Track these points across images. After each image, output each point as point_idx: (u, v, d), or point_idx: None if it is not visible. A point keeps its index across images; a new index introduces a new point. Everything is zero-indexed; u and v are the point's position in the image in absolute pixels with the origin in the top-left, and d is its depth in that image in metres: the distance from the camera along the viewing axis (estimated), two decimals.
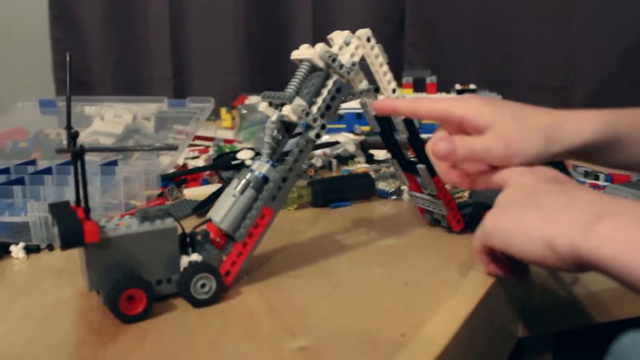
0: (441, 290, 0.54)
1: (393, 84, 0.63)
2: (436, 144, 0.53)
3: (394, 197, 0.84)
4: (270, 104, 0.57)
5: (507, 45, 1.32)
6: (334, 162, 1.04)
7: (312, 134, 0.55)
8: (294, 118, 0.53)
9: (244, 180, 0.54)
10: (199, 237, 0.55)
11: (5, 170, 0.86)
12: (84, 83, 1.54)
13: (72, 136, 0.48)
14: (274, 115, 0.55)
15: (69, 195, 0.74)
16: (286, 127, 0.57)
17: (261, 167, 0.55)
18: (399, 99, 0.61)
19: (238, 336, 0.46)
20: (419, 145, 0.65)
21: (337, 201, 0.81)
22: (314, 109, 0.55)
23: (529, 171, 0.50)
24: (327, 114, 0.56)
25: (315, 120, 0.55)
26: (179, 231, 0.52)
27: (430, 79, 1.17)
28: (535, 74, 1.25)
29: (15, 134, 1.19)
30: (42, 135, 1.21)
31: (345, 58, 0.59)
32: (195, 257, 0.52)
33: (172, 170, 0.95)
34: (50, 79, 1.55)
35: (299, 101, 0.53)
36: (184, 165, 1.03)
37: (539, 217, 0.43)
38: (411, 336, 0.45)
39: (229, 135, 1.19)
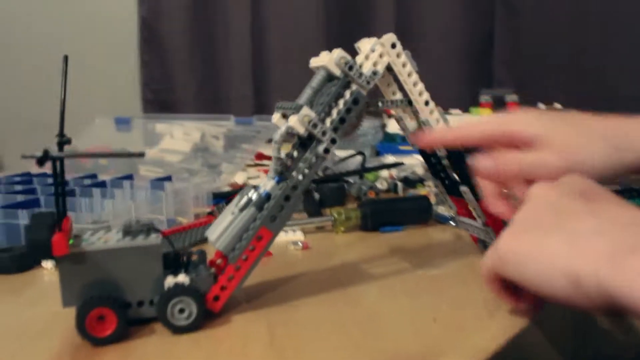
0: (471, 328, 0.46)
1: (425, 96, 0.57)
2: (479, 162, 0.47)
3: (454, 223, 0.77)
4: (284, 116, 0.52)
5: (602, 59, 1.20)
6: (400, 185, 0.98)
7: (320, 148, 0.50)
8: (300, 130, 0.49)
9: (245, 197, 0.50)
10: (194, 257, 0.50)
11: (65, 183, 0.87)
12: (168, 102, 1.58)
13: (61, 143, 0.45)
14: (282, 127, 0.50)
15: (111, 209, 0.73)
16: (302, 142, 0.51)
17: (267, 184, 0.50)
18: (442, 129, 0.55)
19: None
20: (460, 164, 0.58)
21: (388, 225, 0.75)
22: (328, 121, 0.50)
23: (556, 184, 0.42)
24: (340, 127, 0.50)
25: (324, 133, 0.49)
26: (168, 248, 0.48)
27: (511, 98, 1.08)
28: (633, 87, 1.12)
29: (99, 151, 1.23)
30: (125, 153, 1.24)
31: (367, 66, 0.53)
32: (182, 278, 0.46)
33: (227, 189, 0.93)
34: (138, 98, 1.61)
35: (305, 111, 0.49)
36: (244, 184, 1.01)
37: (561, 244, 0.35)
38: None
39: None
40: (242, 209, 0.49)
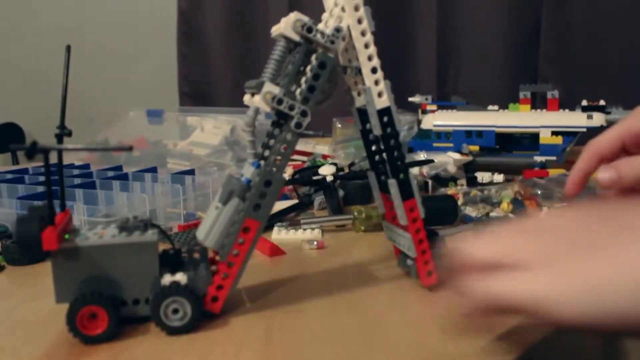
0: (480, 346, 0.43)
1: (376, 61, 0.49)
2: (599, 172, 0.43)
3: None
4: (253, 95, 0.47)
5: None
6: (430, 183, 0.93)
7: (292, 124, 0.46)
8: (266, 109, 0.45)
9: (227, 189, 0.46)
10: (196, 255, 0.48)
11: (89, 175, 0.87)
12: (205, 95, 1.57)
13: (61, 135, 0.43)
14: (252, 108, 0.46)
15: (126, 201, 0.72)
16: (280, 119, 0.47)
17: (248, 171, 0.46)
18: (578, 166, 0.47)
19: None
20: (393, 153, 0.50)
21: None
22: (298, 92, 0.46)
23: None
24: (311, 97, 0.46)
25: (292, 107, 0.45)
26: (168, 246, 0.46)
27: (552, 94, 1.02)
28: None
29: (137, 144, 1.23)
30: (160, 145, 1.23)
31: (331, 24, 0.47)
32: (180, 277, 0.44)
33: None
34: (176, 91, 1.61)
35: (267, 87, 0.45)
36: None
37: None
38: None
39: (327, 150, 1.13)
40: (225, 202, 0.46)
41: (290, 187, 0.90)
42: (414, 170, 0.96)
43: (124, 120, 1.19)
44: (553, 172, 0.93)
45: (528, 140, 1.04)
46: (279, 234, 0.70)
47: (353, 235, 0.71)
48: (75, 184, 0.77)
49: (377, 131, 0.50)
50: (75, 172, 0.87)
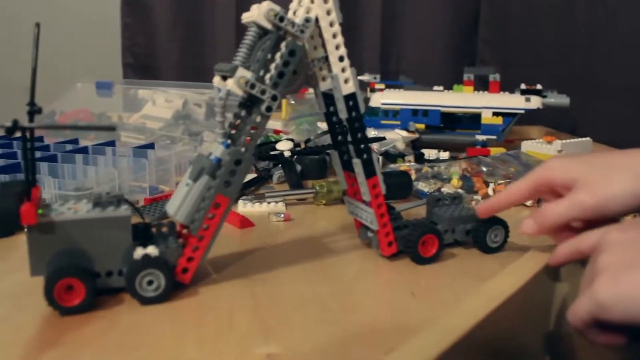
0: (448, 305, 0.48)
1: (342, 50, 0.53)
2: (524, 227, 0.50)
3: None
4: (224, 78, 0.49)
5: (589, 44, 1.20)
6: (380, 159, 0.98)
7: (262, 107, 0.49)
8: (239, 92, 0.47)
9: (198, 167, 0.49)
10: (164, 229, 0.50)
11: (46, 148, 0.86)
12: (150, 67, 1.56)
13: (31, 112, 0.43)
14: (223, 90, 0.48)
15: (94, 175, 0.73)
16: (248, 101, 0.49)
17: (217, 150, 0.49)
18: (495, 199, 0.56)
19: (206, 335, 0.43)
20: (358, 135, 0.54)
21: None
22: (267, 77, 0.49)
23: (629, 224, 0.42)
24: (280, 82, 0.49)
25: (263, 92, 0.48)
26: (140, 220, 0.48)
27: (494, 77, 1.08)
28: (618, 74, 1.13)
29: (78, 115, 1.21)
30: (104, 117, 1.22)
31: (300, 14, 0.50)
32: (151, 250, 0.47)
33: None
34: (119, 63, 1.59)
35: (240, 72, 0.47)
36: None
37: None
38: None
39: (279, 125, 1.16)
40: (195, 179, 0.48)
41: None
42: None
43: (71, 92, 1.18)
44: (494, 151, 1.00)
45: (469, 120, 1.10)
46: (245, 207, 0.73)
47: (314, 208, 0.75)
48: (38, 158, 0.76)
49: (343, 115, 0.54)
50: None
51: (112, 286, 0.47)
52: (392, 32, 1.51)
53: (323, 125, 1.08)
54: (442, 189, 0.78)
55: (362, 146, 0.55)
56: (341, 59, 0.53)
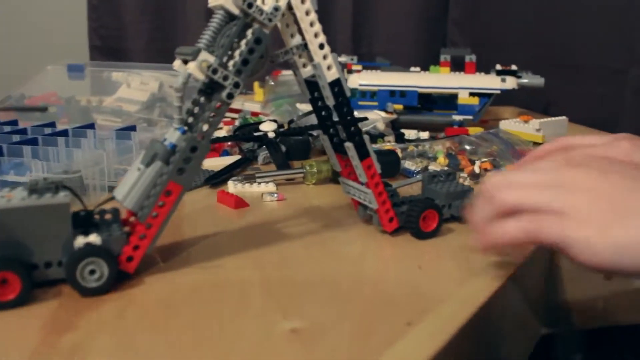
0: (456, 277, 0.49)
1: (322, 38, 0.53)
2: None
3: (418, 177, 0.78)
4: (185, 62, 0.48)
5: (559, 25, 1.23)
6: None
7: (223, 94, 0.47)
8: (200, 77, 0.46)
9: (150, 152, 0.46)
10: (107, 216, 0.48)
11: (23, 131, 0.83)
12: (118, 50, 1.52)
13: None
14: (181, 74, 0.47)
15: (81, 158, 0.71)
16: (207, 88, 0.48)
17: (172, 135, 0.47)
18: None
19: (226, 314, 0.42)
20: (347, 119, 0.55)
21: None
22: (230, 64, 0.47)
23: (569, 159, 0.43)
24: (244, 69, 0.48)
25: (226, 78, 0.47)
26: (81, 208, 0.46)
27: (470, 58, 1.10)
28: (588, 55, 1.16)
29: (48, 99, 1.18)
30: (73, 101, 1.19)
31: (269, 2, 0.50)
32: (94, 238, 0.44)
33: None
34: (85, 45, 1.54)
35: (203, 56, 0.46)
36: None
37: None
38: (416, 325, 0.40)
39: (257, 107, 1.15)
40: (148, 164, 0.46)
41: (231, 143, 0.92)
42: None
43: (41, 75, 1.14)
44: (472, 130, 1.01)
45: (445, 101, 1.12)
46: (235, 188, 0.72)
47: (305, 188, 0.75)
48: (20, 141, 0.74)
49: (330, 102, 0.54)
50: (7, 128, 0.84)
51: (51, 278, 0.44)
52: (363, 14, 1.51)
53: (302, 107, 1.08)
54: (430, 167, 0.79)
55: (353, 129, 0.56)
56: (321, 46, 0.53)
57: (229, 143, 0.92)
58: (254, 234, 0.59)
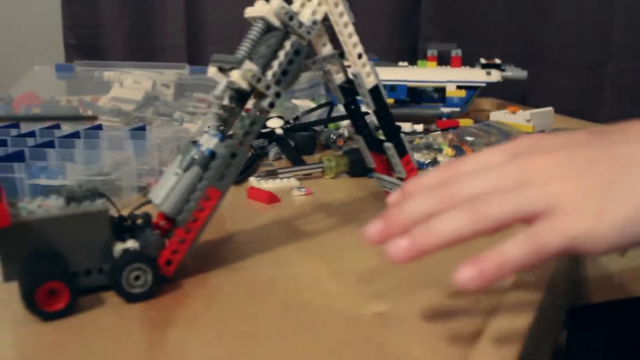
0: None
1: (359, 48, 0.57)
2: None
3: (430, 169, 0.82)
4: (221, 70, 0.49)
5: (533, 19, 1.29)
6: None
7: (264, 103, 0.49)
8: (243, 85, 0.47)
9: (188, 157, 0.47)
10: (139, 221, 0.47)
11: (32, 134, 0.82)
12: (95, 49, 1.49)
13: None
14: (222, 82, 0.48)
15: (104, 159, 0.71)
16: (240, 96, 0.50)
17: (208, 141, 0.48)
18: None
19: (306, 301, 0.45)
20: (387, 121, 0.59)
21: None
22: (269, 74, 0.49)
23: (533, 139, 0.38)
24: (283, 80, 0.49)
25: (268, 87, 0.48)
26: (115, 214, 0.46)
27: (455, 53, 1.14)
28: (563, 49, 1.22)
29: (28, 99, 1.15)
30: (54, 101, 1.17)
31: (305, 16, 0.51)
32: (131, 243, 0.45)
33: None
34: (60, 44, 1.51)
35: (248, 65, 0.47)
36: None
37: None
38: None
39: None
40: (185, 169, 0.47)
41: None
42: (344, 123, 1.03)
43: (28, 75, 1.11)
44: (463, 122, 1.06)
45: (433, 93, 1.16)
46: (259, 184, 0.74)
47: (324, 182, 0.77)
48: (37, 145, 0.73)
49: (370, 107, 0.58)
50: (14, 132, 0.82)
51: (91, 285, 0.44)
52: None
53: (297, 102, 1.10)
54: (438, 158, 0.83)
55: (392, 130, 0.60)
56: (360, 56, 0.57)
57: None
58: (297, 227, 0.61)
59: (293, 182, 0.75)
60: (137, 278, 0.44)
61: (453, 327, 0.41)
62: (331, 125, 1.01)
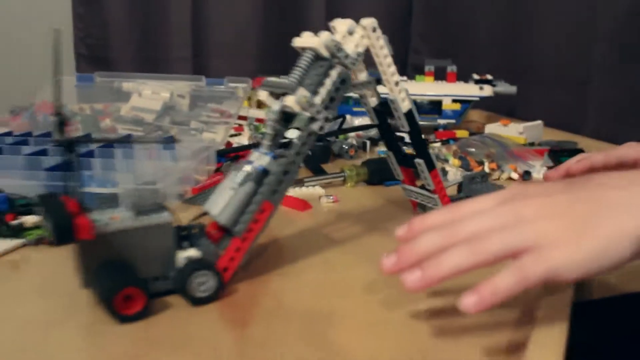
0: None
1: (396, 77, 0.62)
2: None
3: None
4: (271, 94, 0.54)
5: (521, 36, 1.34)
6: (368, 143, 1.06)
7: (315, 126, 0.52)
8: (297, 109, 0.51)
9: (243, 173, 0.51)
10: (195, 230, 0.51)
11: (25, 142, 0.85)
12: (104, 60, 1.51)
13: (61, 122, 0.45)
14: (275, 106, 0.52)
15: (142, 167, 0.74)
16: (285, 118, 0.54)
17: (261, 159, 0.52)
18: (573, 164, 0.64)
19: (367, 300, 0.49)
20: (418, 140, 0.64)
21: (391, 180, 0.83)
22: (317, 100, 0.52)
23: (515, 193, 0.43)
24: (330, 106, 0.53)
25: (319, 112, 0.52)
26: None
27: (451, 69, 1.20)
28: (549, 66, 1.28)
29: (44, 107, 1.17)
30: (66, 109, 1.19)
31: (349, 48, 0.55)
32: (193, 252, 0.49)
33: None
34: (71, 55, 1.52)
35: (303, 92, 0.50)
36: (228, 142, 1.04)
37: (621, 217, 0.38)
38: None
39: (261, 114, 1.20)
40: (241, 184, 0.50)
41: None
42: (351, 134, 1.08)
43: (49, 86, 1.13)
44: (460, 133, 1.11)
45: (427, 106, 1.21)
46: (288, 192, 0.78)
47: (346, 190, 0.82)
48: (82, 153, 0.76)
49: (405, 128, 0.63)
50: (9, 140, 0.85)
51: (158, 290, 0.47)
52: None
53: None
54: (446, 168, 0.88)
55: (423, 148, 0.65)
56: (397, 84, 0.62)
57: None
58: (334, 232, 0.65)
59: (318, 190, 0.79)
60: (201, 283, 0.47)
61: (501, 334, 0.45)
62: (341, 137, 1.06)
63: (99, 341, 0.43)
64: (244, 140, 1.05)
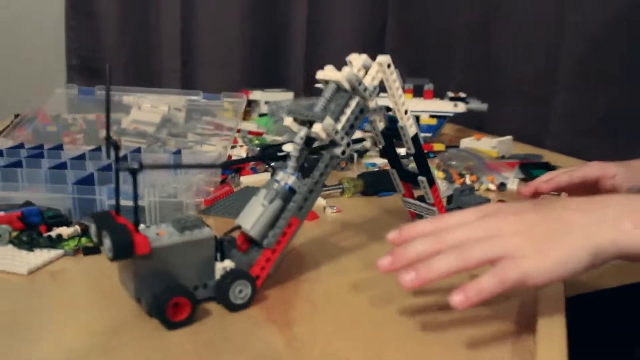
0: None
1: (406, 106, 0.67)
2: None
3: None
4: (295, 120, 0.59)
5: (490, 53, 1.42)
6: (355, 155, 1.12)
7: (338, 151, 0.57)
8: (323, 136, 0.56)
9: (272, 191, 0.55)
10: (226, 243, 0.55)
11: (81, 156, 0.87)
12: (96, 71, 1.52)
13: (114, 146, 0.50)
14: (301, 131, 0.57)
15: (163, 181, 0.77)
16: (306, 142, 0.58)
17: (287, 178, 0.56)
18: (542, 183, 0.74)
19: (389, 299, 0.54)
20: (422, 160, 0.70)
21: (384, 191, 0.89)
22: (339, 127, 0.57)
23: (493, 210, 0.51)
24: (350, 132, 0.58)
25: (342, 138, 0.57)
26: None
27: (428, 87, 1.27)
28: (516, 81, 1.36)
29: (40, 117, 1.18)
30: (60, 119, 1.21)
31: (367, 81, 0.59)
32: (228, 263, 0.52)
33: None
34: (63, 67, 1.52)
35: (330, 120, 0.55)
36: (228, 155, 1.08)
37: (580, 233, 0.45)
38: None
39: (252, 127, 1.24)
40: (270, 201, 0.55)
41: (255, 162, 1.01)
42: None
43: (51, 98, 1.15)
44: (437, 146, 1.18)
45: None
46: None
47: (345, 200, 0.87)
48: (103, 167, 0.79)
49: (411, 150, 0.69)
50: (56, 153, 0.87)
51: (200, 298, 0.51)
52: (312, 53, 1.64)
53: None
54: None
55: (425, 167, 0.70)
56: (406, 112, 0.68)
57: (255, 162, 1.01)
58: (343, 240, 0.70)
59: (320, 200, 0.84)
60: (240, 291, 0.52)
61: (511, 329, 0.51)
62: None
63: (162, 345, 0.47)
64: (241, 152, 1.09)
